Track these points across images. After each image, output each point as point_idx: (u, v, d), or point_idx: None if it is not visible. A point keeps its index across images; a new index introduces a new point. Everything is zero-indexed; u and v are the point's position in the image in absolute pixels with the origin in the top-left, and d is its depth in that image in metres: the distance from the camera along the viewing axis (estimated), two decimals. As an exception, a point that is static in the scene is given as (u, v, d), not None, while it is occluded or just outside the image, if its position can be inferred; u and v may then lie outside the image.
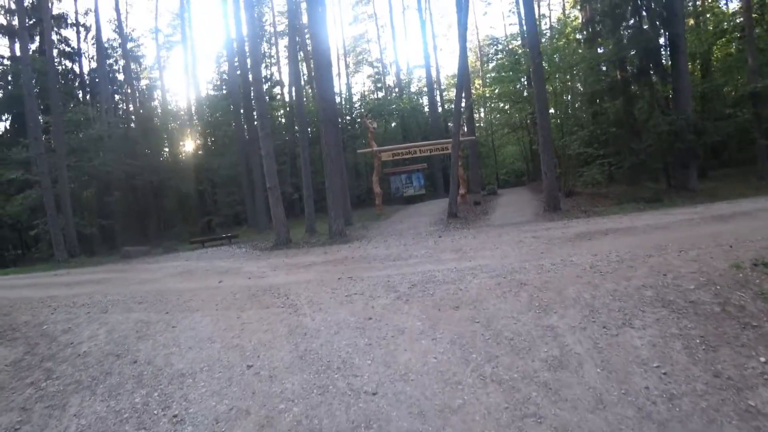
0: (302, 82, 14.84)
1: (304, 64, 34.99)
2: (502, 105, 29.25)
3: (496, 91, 23.90)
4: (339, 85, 36.42)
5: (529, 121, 28.83)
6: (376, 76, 35.93)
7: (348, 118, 26.21)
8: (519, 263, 6.44)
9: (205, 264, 11.30)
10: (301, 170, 14.93)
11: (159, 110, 28.21)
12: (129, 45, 31.41)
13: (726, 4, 21.82)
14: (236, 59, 21.15)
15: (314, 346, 4.58)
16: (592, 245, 7.23)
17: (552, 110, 18.22)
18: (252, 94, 16.17)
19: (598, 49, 17.29)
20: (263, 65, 33.48)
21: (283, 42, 34.46)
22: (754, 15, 16.41)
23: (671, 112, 13.27)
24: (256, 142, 16.84)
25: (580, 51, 19.87)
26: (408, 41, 58.23)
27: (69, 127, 21.60)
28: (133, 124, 27.37)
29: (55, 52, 28.30)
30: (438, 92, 31.26)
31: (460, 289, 5.50)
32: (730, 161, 21.48)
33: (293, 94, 25.67)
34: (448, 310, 4.87)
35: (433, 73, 30.33)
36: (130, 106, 30.24)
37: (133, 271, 11.87)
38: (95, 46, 26.05)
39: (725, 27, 17.97)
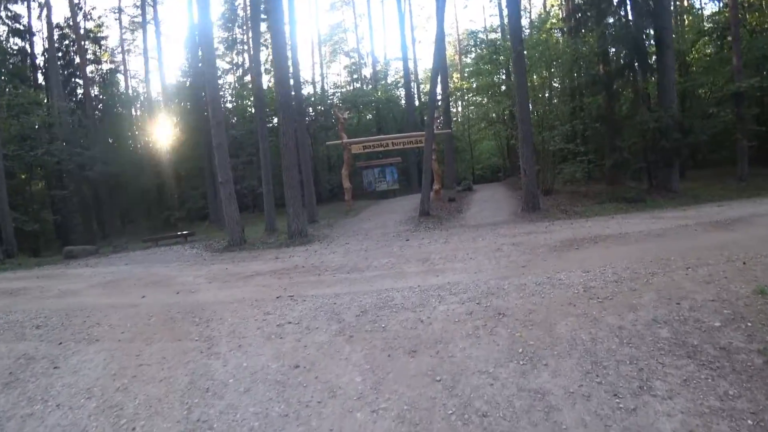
0: (262, 69, 13.31)
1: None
2: (479, 99, 28.17)
3: (474, 84, 22.69)
4: (313, 74, 34.77)
5: (506, 116, 27.83)
6: (353, 67, 34.34)
7: (320, 108, 24.60)
8: (496, 281, 5.18)
9: (141, 270, 9.74)
10: (261, 162, 13.43)
11: (119, 96, 25.96)
12: (88, 24, 28.97)
13: (704, 3, 21.13)
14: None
15: (211, 414, 3.21)
16: (581, 257, 6.03)
17: (531, 105, 17.12)
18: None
19: (581, 44, 16.23)
20: (234, 51, 31.55)
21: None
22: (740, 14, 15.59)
23: (656, 109, 12.27)
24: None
25: (560, 45, 18.85)
26: (386, 32, 56.75)
27: (13, 112, 19.39)
28: (96, 112, 25.31)
29: (3, 29, 25.90)
30: (415, 85, 29.88)
31: (420, 321, 4.20)
32: (704, 162, 20.88)
33: (267, 82, 23.97)
34: (401, 357, 3.56)
35: (411, 66, 28.92)
36: (91, 90, 27.84)
37: (60, 278, 10.20)
38: (43, 22, 23.66)
39: (705, 27, 17.17)
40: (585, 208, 12.11)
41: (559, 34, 20.31)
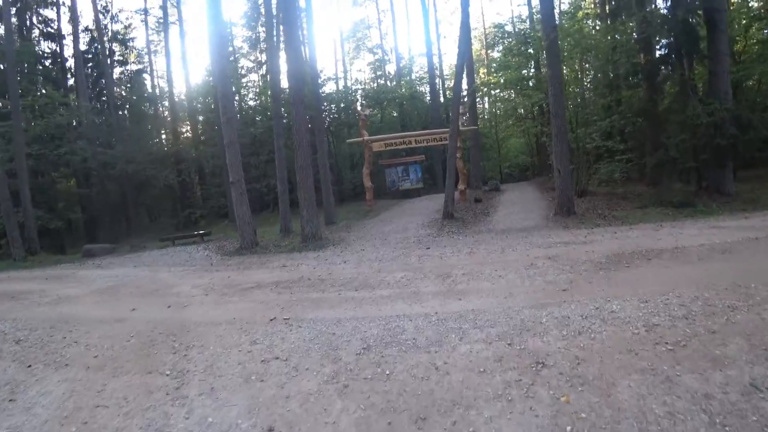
0: (279, 63, 12.61)
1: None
2: (507, 94, 26.86)
3: (502, 79, 21.46)
4: (336, 71, 34.02)
5: (536, 111, 26.39)
6: (376, 63, 33.38)
7: (342, 105, 23.79)
8: (531, 310, 4.20)
9: (145, 275, 9.15)
10: (276, 161, 12.72)
11: (143, 96, 25.86)
12: (116, 26, 29.10)
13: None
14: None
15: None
16: (634, 278, 4.96)
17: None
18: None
19: (620, 31, 14.82)
20: (258, 50, 31.11)
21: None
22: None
23: (710, 101, 10.84)
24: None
25: (595, 33, 17.41)
26: (410, 28, 55.35)
27: (40, 113, 19.41)
28: (122, 111, 25.34)
29: (36, 32, 26.23)
30: (440, 81, 28.72)
31: (435, 367, 3.28)
32: (755, 161, 18.94)
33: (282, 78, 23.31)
34: (405, 427, 2.64)
35: (436, 62, 27.73)
36: (117, 90, 27.92)
37: (66, 280, 9.75)
38: (71, 25, 23.71)
39: (755, 9, 15.35)
40: (626, 213, 10.85)
41: (593, 23, 18.88)
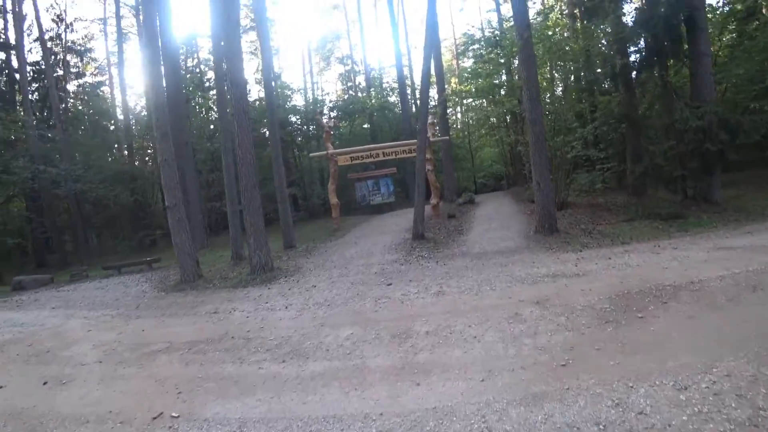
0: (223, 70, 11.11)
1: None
2: (479, 102, 25.86)
3: (473, 88, 20.39)
4: (305, 83, 32.52)
5: (509, 119, 25.46)
6: (346, 74, 32.12)
7: (309, 117, 22.30)
8: (520, 409, 2.76)
9: (55, 322, 7.39)
10: (224, 179, 11.09)
11: (99, 109, 23.75)
12: (71, 36, 26.96)
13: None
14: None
15: None
16: (655, 339, 3.59)
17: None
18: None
19: (595, 32, 13.84)
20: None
21: (247, 36, 30.43)
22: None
23: (697, 105, 9.79)
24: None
25: (567, 37, 16.49)
26: (380, 39, 54.24)
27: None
28: (76, 127, 23.14)
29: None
30: (411, 91, 27.52)
31: None
32: (730, 164, 18.24)
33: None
34: None
35: (406, 72, 26.50)
36: (71, 103, 25.72)
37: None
38: (14, 35, 21.58)
39: (739, 8, 14.64)
40: (612, 228, 9.65)
41: (563, 27, 17.99)
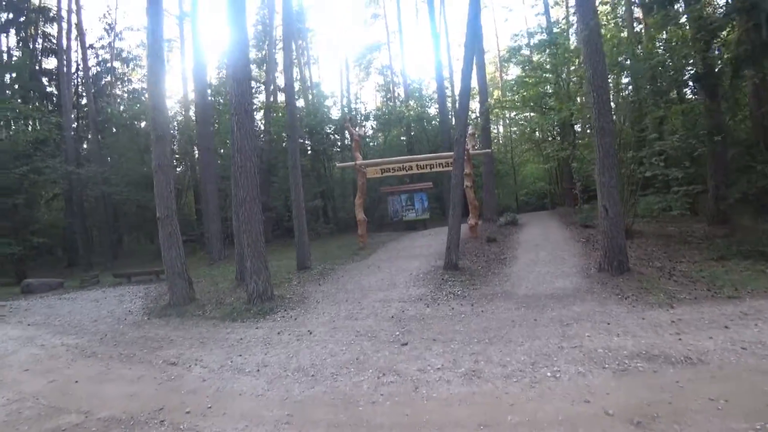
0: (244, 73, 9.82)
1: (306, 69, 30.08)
2: (524, 115, 23.61)
3: (519, 96, 18.28)
4: (341, 93, 31.27)
5: (555, 132, 23.01)
6: (385, 84, 30.74)
7: (337, 118, 20.80)
8: None
9: (5, 348, 6.02)
10: (234, 190, 9.61)
11: (138, 114, 23.40)
12: (117, 43, 27.15)
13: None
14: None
15: None
16: None
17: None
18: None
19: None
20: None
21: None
22: None
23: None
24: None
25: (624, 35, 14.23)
26: (420, 50, 52.61)
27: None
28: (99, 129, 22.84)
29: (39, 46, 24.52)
30: (451, 102, 25.67)
31: None
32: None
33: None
34: None
35: (446, 84, 24.72)
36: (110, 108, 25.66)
37: None
38: (77, 42, 21.64)
39: None
40: (700, 269, 7.32)
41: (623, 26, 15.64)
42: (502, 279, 8.20)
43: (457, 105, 25.24)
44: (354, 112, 22.49)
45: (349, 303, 7.20)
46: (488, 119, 16.78)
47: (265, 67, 24.82)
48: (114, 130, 21.51)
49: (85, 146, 22.06)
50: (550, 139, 23.16)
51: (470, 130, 13.74)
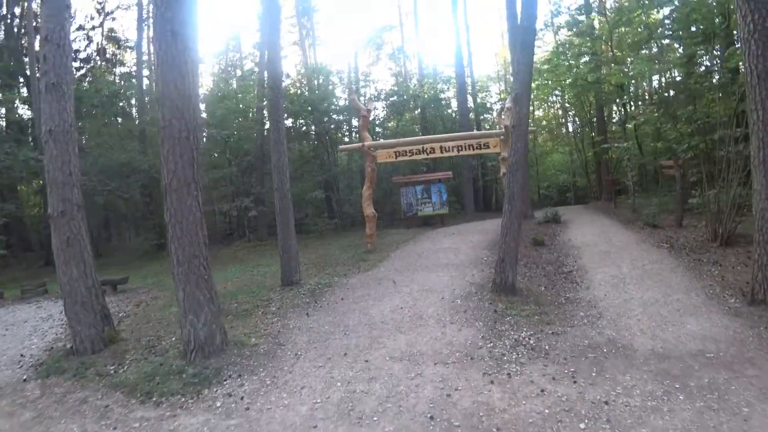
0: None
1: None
2: (555, 97, 20.33)
3: (550, 77, 15.00)
4: (348, 76, 27.97)
5: (591, 116, 19.71)
6: (397, 68, 27.45)
7: (345, 101, 17.57)
8: None
9: None
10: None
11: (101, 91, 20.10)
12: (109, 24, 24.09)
13: None
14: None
15: None
16: None
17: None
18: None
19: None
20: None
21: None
22: None
23: None
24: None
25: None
26: (435, 34, 48.78)
27: None
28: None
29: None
30: (470, 82, 22.32)
31: None
32: None
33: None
34: None
35: (465, 60, 21.34)
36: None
37: None
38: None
39: None
40: None
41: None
42: (588, 311, 5.08)
43: (476, 86, 21.68)
44: (363, 92, 19.25)
45: (348, 361, 4.12)
46: (530, 87, 13.38)
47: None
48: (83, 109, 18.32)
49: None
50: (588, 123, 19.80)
51: (509, 102, 10.55)
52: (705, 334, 4.20)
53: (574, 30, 13.78)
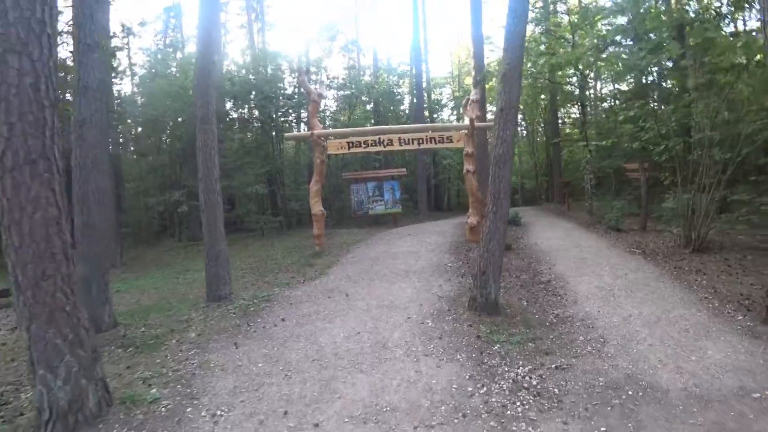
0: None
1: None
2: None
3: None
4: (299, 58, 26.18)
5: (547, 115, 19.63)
6: (350, 62, 26.04)
7: (293, 88, 15.94)
8: None
9: None
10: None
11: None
12: None
13: None
14: None
15: None
16: None
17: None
18: None
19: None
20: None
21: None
22: None
23: None
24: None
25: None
26: (392, 31, 47.91)
27: None
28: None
29: None
30: (426, 78, 21.51)
31: None
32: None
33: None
34: None
35: (422, 56, 20.48)
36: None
37: None
38: None
39: None
40: None
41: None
42: (587, 334, 4.18)
43: (431, 81, 20.84)
44: (314, 80, 17.69)
45: (290, 426, 2.82)
46: (484, 91, 12.69)
47: None
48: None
49: None
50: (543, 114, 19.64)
51: (474, 94, 9.67)
52: (734, 364, 3.41)
53: (542, 27, 13.29)
